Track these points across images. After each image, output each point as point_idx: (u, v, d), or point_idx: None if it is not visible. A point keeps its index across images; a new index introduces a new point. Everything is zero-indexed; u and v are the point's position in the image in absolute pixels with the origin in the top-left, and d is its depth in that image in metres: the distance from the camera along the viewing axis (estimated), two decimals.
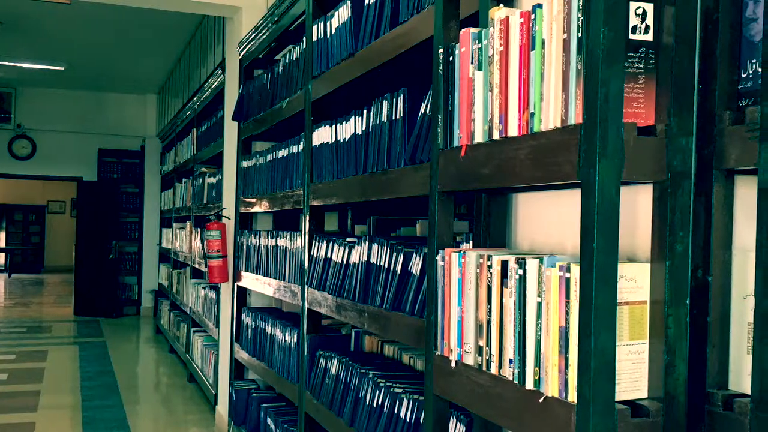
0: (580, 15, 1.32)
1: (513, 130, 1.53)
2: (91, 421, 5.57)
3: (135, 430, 5.38)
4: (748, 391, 1.22)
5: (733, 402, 1.27)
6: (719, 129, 1.26)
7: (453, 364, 1.75)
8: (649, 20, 1.33)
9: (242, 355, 4.48)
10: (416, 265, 2.29)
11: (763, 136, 1.15)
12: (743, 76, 1.23)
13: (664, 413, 1.34)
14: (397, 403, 2.35)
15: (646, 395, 1.39)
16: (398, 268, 2.39)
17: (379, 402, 2.48)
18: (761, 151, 1.14)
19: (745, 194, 1.30)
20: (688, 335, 1.34)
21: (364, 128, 2.68)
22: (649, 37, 1.34)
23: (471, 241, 2.01)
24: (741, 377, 1.31)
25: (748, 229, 1.27)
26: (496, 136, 1.59)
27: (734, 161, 1.24)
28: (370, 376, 2.59)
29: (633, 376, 1.39)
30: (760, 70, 1.18)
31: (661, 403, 1.35)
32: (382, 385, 2.48)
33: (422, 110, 2.25)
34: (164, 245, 10.11)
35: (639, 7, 1.32)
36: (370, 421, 2.52)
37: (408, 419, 2.28)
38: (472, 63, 1.68)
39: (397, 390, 2.39)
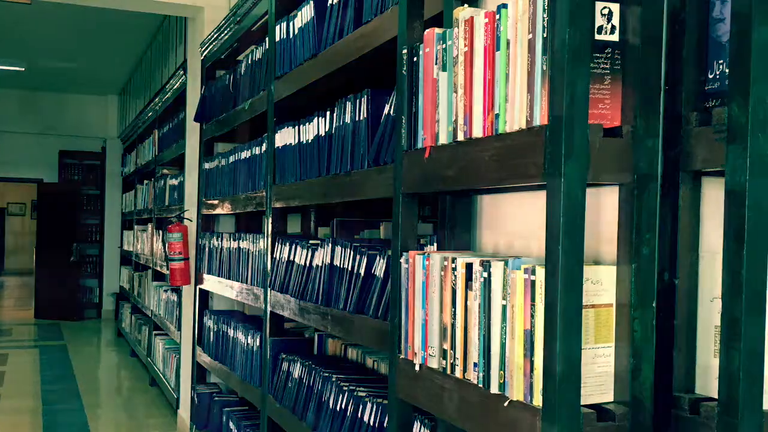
0: (545, 15, 1.29)
1: (478, 132, 1.50)
2: (52, 425, 5.45)
3: None
4: (715, 395, 1.20)
5: (700, 406, 1.25)
6: (686, 130, 1.24)
7: (417, 368, 1.71)
8: (615, 20, 1.31)
9: (204, 359, 4.39)
10: (380, 268, 2.25)
11: (730, 137, 1.12)
12: (710, 76, 1.21)
13: (631, 417, 1.32)
14: (361, 406, 2.31)
15: (612, 399, 1.37)
16: (362, 271, 2.34)
17: (343, 406, 2.43)
18: (728, 153, 1.12)
19: (712, 196, 1.28)
20: (654, 339, 1.31)
21: (327, 129, 2.63)
22: (615, 37, 1.31)
23: (435, 244, 1.97)
24: (708, 381, 1.29)
25: (716, 232, 1.25)
26: (460, 137, 1.55)
27: (701, 163, 1.22)
28: (333, 379, 2.54)
29: (599, 380, 1.37)
30: (727, 70, 1.16)
31: (627, 407, 1.33)
32: (345, 388, 2.44)
33: (386, 111, 2.21)
34: (126, 248, 9.93)
35: (605, 7, 1.29)
36: (334, 425, 2.47)
37: (372, 423, 2.24)
38: (436, 64, 1.64)
39: (360, 394, 2.34)
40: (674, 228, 1.29)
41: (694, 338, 1.30)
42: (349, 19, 2.46)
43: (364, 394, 2.33)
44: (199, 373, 4.64)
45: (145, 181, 8.15)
